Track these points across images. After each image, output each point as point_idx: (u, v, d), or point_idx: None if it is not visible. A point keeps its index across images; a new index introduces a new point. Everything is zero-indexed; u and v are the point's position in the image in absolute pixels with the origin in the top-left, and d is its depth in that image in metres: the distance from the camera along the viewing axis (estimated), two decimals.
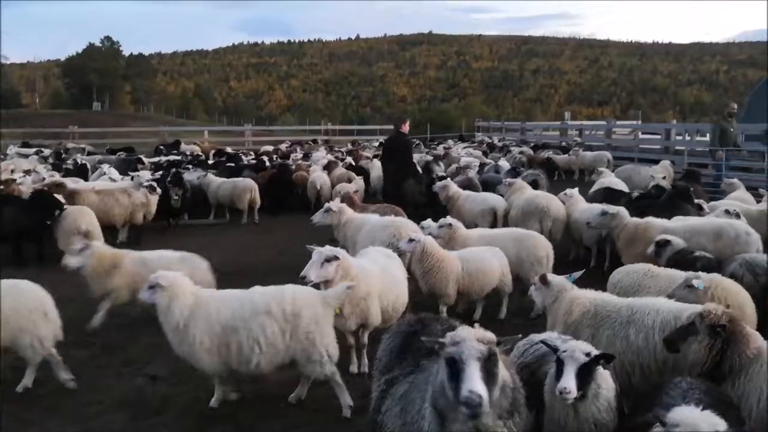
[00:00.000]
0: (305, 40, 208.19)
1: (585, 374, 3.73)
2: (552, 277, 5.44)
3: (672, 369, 4.50)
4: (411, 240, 7.55)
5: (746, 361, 4.05)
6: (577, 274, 5.63)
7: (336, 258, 5.95)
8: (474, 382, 3.00)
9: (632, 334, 4.73)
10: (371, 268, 6.53)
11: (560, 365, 3.77)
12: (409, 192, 13.18)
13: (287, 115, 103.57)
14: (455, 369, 3.12)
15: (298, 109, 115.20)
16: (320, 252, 5.98)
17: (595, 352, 3.84)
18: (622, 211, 8.88)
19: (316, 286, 5.86)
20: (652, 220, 8.68)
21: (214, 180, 15.85)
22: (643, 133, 28.78)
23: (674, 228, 8.23)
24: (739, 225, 8.17)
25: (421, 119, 62.08)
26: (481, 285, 7.71)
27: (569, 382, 3.64)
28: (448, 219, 8.93)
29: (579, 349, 3.81)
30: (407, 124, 13.40)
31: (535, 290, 5.50)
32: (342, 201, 11.12)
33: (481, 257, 7.82)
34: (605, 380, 3.95)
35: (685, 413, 3.00)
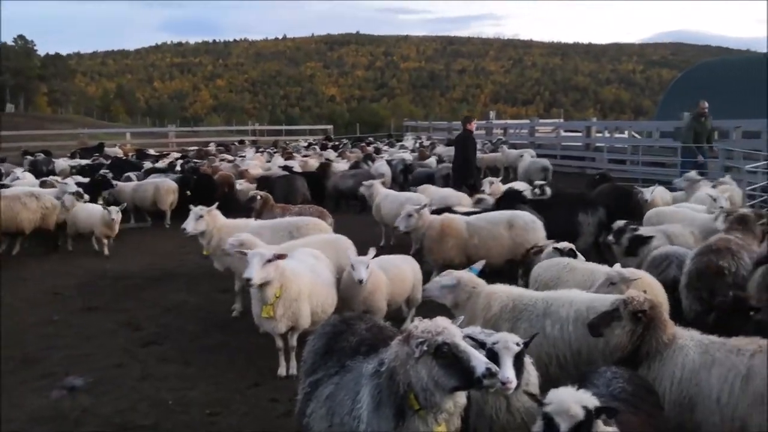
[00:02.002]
0: (231, 40, 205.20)
1: (519, 364, 3.73)
2: (460, 274, 5.47)
3: (586, 358, 4.70)
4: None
5: (662, 346, 4.22)
6: (479, 265, 5.74)
7: (276, 258, 5.90)
8: None
9: (548, 326, 4.89)
10: (301, 269, 6.47)
11: (494, 357, 3.68)
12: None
13: (213, 115, 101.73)
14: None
15: (225, 109, 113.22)
16: (261, 254, 5.90)
17: (521, 340, 3.86)
18: (424, 212, 9.11)
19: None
20: (452, 215, 9.19)
21: (126, 185, 15.43)
22: (565, 131, 29.62)
23: (474, 220, 9.02)
24: (526, 215, 8.99)
25: (350, 119, 62.20)
26: (400, 293, 7.33)
27: (510, 372, 3.57)
28: None
29: (509, 339, 3.80)
30: (473, 123, 14.19)
31: (441, 289, 5.45)
32: (253, 202, 11.01)
33: (395, 264, 7.45)
34: (532, 369, 4.03)
35: (559, 393, 3.11)
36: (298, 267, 6.50)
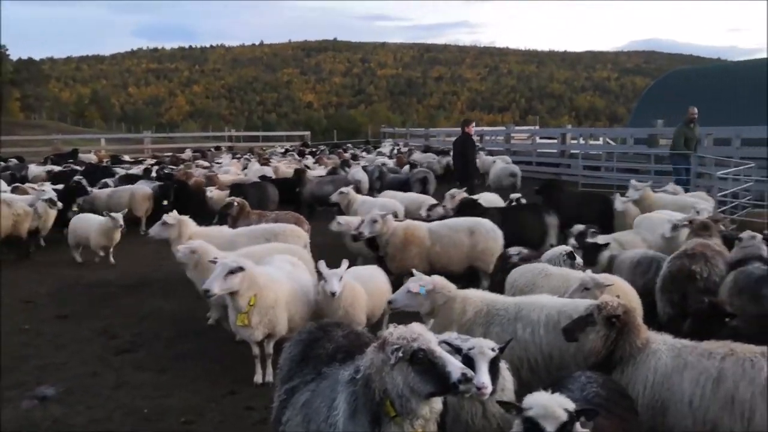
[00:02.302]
0: (207, 46, 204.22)
1: (494, 369, 3.73)
2: (434, 278, 5.46)
3: (557, 362, 4.78)
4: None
5: (635, 350, 4.27)
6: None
7: (240, 269, 5.85)
8: None
9: (520, 330, 4.96)
10: (278, 277, 6.44)
11: (470, 363, 3.68)
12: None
13: (189, 121, 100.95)
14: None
15: (201, 115, 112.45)
16: (224, 264, 5.87)
17: (497, 346, 3.88)
18: (388, 218, 9.11)
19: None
20: (415, 222, 9.26)
21: (101, 191, 15.24)
22: (540, 138, 29.89)
23: (436, 228, 9.03)
24: (487, 223, 9.01)
25: (327, 126, 62.15)
26: (379, 305, 7.07)
27: (485, 377, 3.57)
28: None
29: (485, 345, 3.82)
30: (471, 126, 14.53)
31: (411, 297, 5.38)
32: (230, 209, 10.93)
33: (371, 276, 7.33)
34: (507, 374, 4.05)
35: (538, 397, 3.14)
36: (275, 274, 6.48)
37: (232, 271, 5.80)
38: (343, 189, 12.96)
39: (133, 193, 14.79)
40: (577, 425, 3.05)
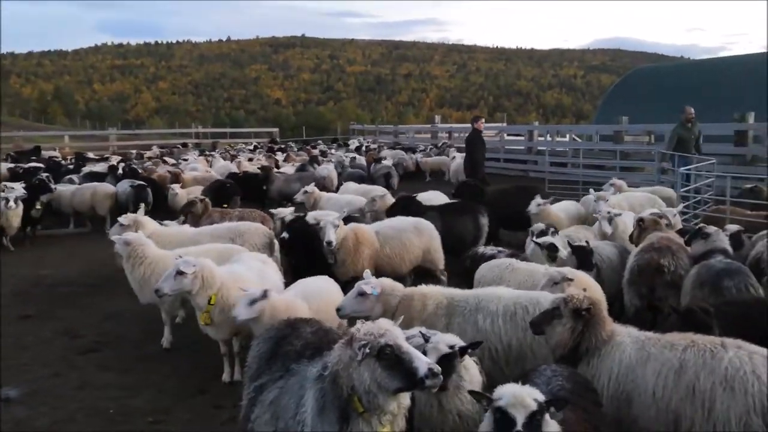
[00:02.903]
0: (173, 42, 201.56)
1: (447, 366, 3.74)
2: (382, 281, 5.45)
3: (516, 352, 4.96)
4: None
5: (601, 342, 4.34)
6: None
7: (192, 266, 5.79)
8: None
9: (480, 320, 5.10)
10: (245, 275, 6.39)
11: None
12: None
13: (155, 118, 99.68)
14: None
15: (167, 111, 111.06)
16: (175, 263, 5.81)
17: (460, 343, 3.92)
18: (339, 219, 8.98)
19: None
20: (359, 224, 8.92)
21: (65, 189, 14.96)
22: (508, 135, 30.12)
23: (383, 228, 8.74)
24: (427, 221, 8.96)
25: (296, 122, 61.83)
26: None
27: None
28: None
29: (443, 341, 3.87)
30: (480, 122, 14.88)
31: (360, 302, 5.27)
32: (193, 207, 10.76)
33: (320, 290, 6.98)
34: (469, 373, 4.06)
35: (507, 388, 3.17)
36: (241, 272, 6.43)
37: (182, 271, 5.73)
38: (307, 188, 12.81)
39: (95, 191, 14.55)
40: (547, 416, 3.09)
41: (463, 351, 3.91)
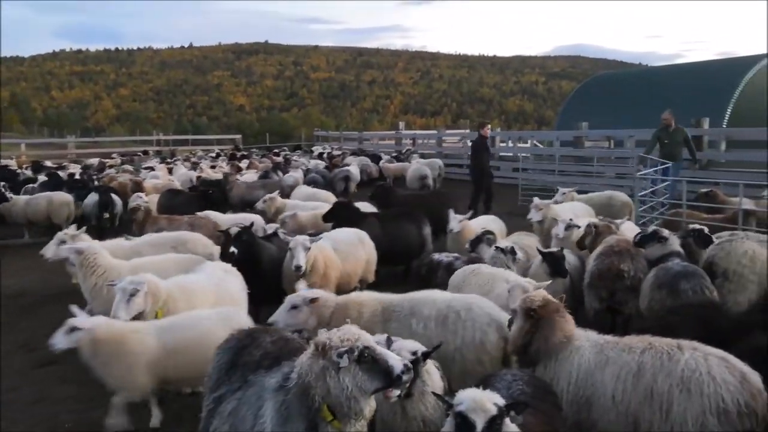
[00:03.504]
0: (134, 48, 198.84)
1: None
2: (316, 291, 5.35)
3: (445, 357, 4.92)
4: None
5: (553, 345, 4.37)
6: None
7: (142, 283, 5.66)
8: None
9: (414, 324, 5.14)
10: (199, 285, 6.27)
11: None
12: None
13: (116, 125, 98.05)
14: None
15: (128, 119, 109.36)
16: (123, 288, 5.64)
17: (422, 349, 3.92)
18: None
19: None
20: (320, 244, 8.25)
21: (18, 198, 14.58)
22: (471, 142, 30.33)
23: (337, 245, 8.26)
24: (362, 233, 8.79)
25: (260, 129, 61.39)
26: None
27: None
28: None
29: (406, 348, 3.87)
30: (486, 128, 15.28)
31: (293, 315, 5.15)
32: (135, 214, 10.57)
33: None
34: (432, 378, 4.07)
35: (467, 393, 3.19)
36: (193, 284, 6.30)
37: (133, 294, 5.60)
38: (267, 196, 12.56)
39: (51, 199, 14.20)
40: (507, 419, 3.11)
41: (426, 356, 3.92)
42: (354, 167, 21.47)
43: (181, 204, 12.88)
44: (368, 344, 3.31)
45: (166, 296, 5.86)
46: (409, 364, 3.29)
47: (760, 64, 27.15)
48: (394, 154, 27.54)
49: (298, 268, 7.05)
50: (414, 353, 3.83)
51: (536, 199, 10.79)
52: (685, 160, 14.55)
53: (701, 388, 3.71)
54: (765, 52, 29.08)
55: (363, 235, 8.74)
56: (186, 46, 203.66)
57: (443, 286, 6.97)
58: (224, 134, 53.24)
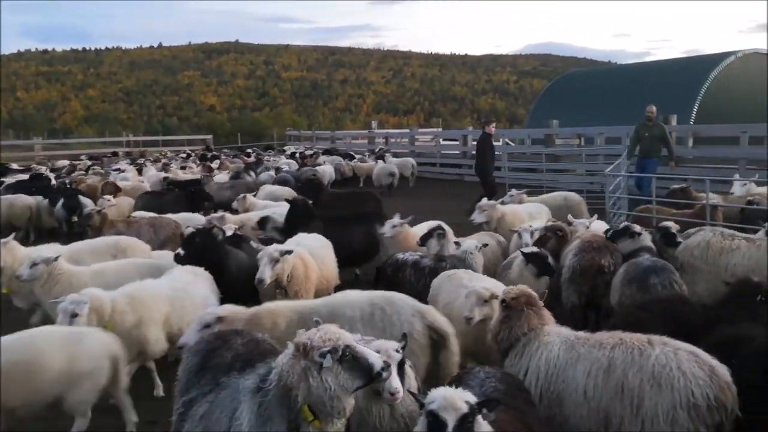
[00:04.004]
0: (102, 48, 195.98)
1: (401, 372, 3.76)
2: (226, 308, 5.15)
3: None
4: None
5: (516, 336, 4.49)
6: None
7: (84, 303, 5.42)
8: None
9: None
10: (149, 293, 6.02)
11: None
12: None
13: (84, 126, 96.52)
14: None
15: (97, 120, 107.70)
16: (65, 309, 5.35)
17: (399, 345, 3.88)
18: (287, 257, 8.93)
19: None
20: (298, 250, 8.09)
21: None
22: (443, 140, 30.47)
23: (313, 249, 7.83)
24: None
25: (231, 129, 60.94)
26: None
27: (397, 382, 3.60)
28: None
29: (390, 347, 3.82)
30: (490, 126, 15.16)
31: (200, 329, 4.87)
32: (90, 219, 10.39)
33: None
34: (411, 374, 4.09)
35: (439, 392, 3.21)
36: (144, 293, 6.04)
37: (74, 315, 5.34)
38: (240, 196, 12.51)
39: (11, 203, 13.80)
40: (479, 417, 3.12)
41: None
42: (326, 166, 21.67)
43: (167, 204, 12.75)
44: (349, 343, 3.33)
45: (111, 309, 5.63)
46: (388, 361, 3.32)
47: (725, 62, 27.69)
48: (367, 153, 27.57)
49: (260, 281, 6.57)
50: (397, 350, 3.79)
51: (484, 200, 10.81)
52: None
53: (672, 383, 3.75)
54: (730, 49, 29.65)
55: (324, 239, 8.37)
56: (155, 46, 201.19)
57: (410, 284, 6.96)
58: (195, 134, 52.80)
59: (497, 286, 5.58)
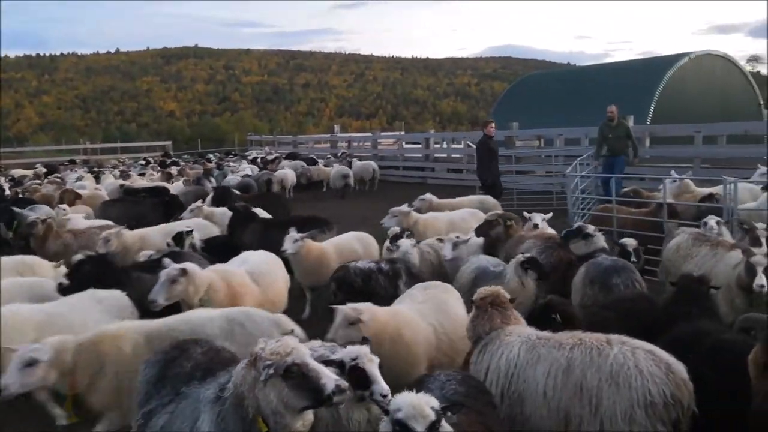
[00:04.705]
0: (57, 54, 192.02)
1: (364, 378, 3.71)
2: (53, 341, 4.58)
3: None
4: None
5: (478, 333, 4.60)
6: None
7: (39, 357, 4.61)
8: None
9: None
10: (21, 318, 5.48)
11: (361, 372, 3.68)
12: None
13: (40, 134, 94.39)
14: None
15: (53, 127, 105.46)
16: (19, 362, 4.45)
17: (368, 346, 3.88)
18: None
19: None
20: (231, 270, 7.35)
21: None
22: (406, 143, 30.56)
23: (255, 266, 7.32)
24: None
25: (191, 135, 60.29)
26: None
27: (385, 384, 3.61)
28: None
29: (363, 351, 3.79)
30: (489, 127, 14.11)
31: (32, 371, 4.42)
32: (33, 228, 9.90)
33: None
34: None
35: (404, 399, 3.15)
36: (10, 318, 5.41)
37: (31, 364, 4.47)
38: (193, 205, 11.75)
39: None
40: (443, 422, 3.11)
41: None
42: (288, 171, 21.69)
43: (144, 212, 12.57)
44: (299, 360, 3.22)
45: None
46: (344, 385, 3.19)
47: (679, 63, 28.34)
48: (331, 157, 27.55)
49: (152, 302, 5.91)
50: (354, 359, 3.74)
51: (404, 206, 10.61)
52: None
53: (629, 382, 3.79)
54: (685, 51, 30.36)
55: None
56: (112, 51, 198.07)
57: (385, 290, 6.91)
58: (154, 141, 52.05)
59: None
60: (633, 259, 7.20)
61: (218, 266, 6.99)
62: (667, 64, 28.56)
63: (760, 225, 7.59)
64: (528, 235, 8.25)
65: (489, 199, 12.48)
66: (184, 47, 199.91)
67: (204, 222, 10.63)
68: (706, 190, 10.98)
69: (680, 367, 3.88)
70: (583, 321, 4.98)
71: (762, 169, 11.82)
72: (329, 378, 3.19)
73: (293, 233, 8.24)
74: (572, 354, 4.05)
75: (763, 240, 7.08)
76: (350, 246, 8.89)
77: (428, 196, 12.40)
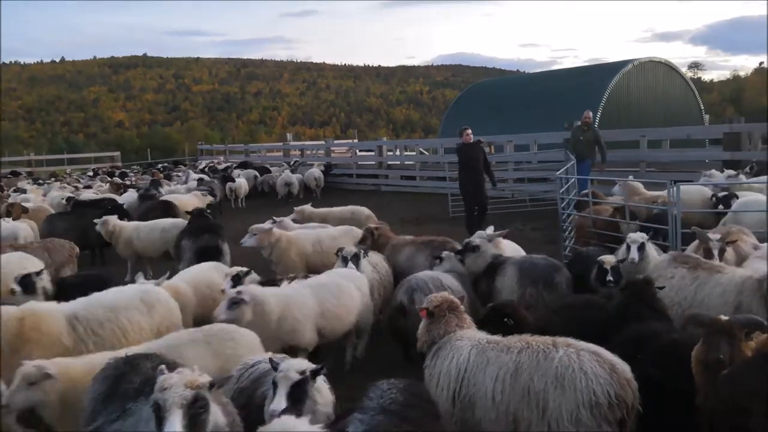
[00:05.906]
0: None
1: (300, 392, 3.76)
2: None
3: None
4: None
5: (431, 338, 4.65)
6: None
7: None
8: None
9: None
10: None
11: (275, 387, 3.78)
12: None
13: None
14: (160, 416, 3.18)
15: None
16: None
17: (311, 367, 3.89)
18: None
19: None
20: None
21: None
22: (360, 151, 30.59)
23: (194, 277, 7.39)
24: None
25: (141, 145, 59.24)
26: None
27: (279, 402, 3.65)
28: None
29: (293, 368, 3.82)
30: (464, 134, 13.65)
31: None
32: None
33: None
34: (322, 394, 4.03)
35: (281, 421, 3.31)
36: None
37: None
38: (104, 218, 11.40)
39: None
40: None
41: (314, 374, 3.88)
42: (241, 180, 21.88)
43: (90, 225, 11.97)
44: (160, 399, 3.22)
45: None
46: None
47: (623, 70, 29.10)
48: (284, 165, 27.43)
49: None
50: (302, 372, 3.80)
51: (268, 223, 9.86)
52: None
53: (574, 384, 3.86)
54: (628, 58, 31.19)
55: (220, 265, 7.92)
56: (57, 60, 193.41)
57: None
58: (102, 152, 50.94)
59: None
60: (609, 277, 6.46)
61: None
62: (612, 71, 29.25)
63: (714, 236, 6.93)
64: (403, 242, 8.83)
65: (360, 209, 12.40)
66: (133, 56, 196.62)
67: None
68: (656, 193, 11.29)
69: (624, 367, 3.98)
70: (534, 324, 5.08)
71: (712, 172, 12.32)
72: (173, 423, 3.14)
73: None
74: (520, 358, 4.12)
75: (716, 252, 6.64)
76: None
77: (303, 207, 12.34)
